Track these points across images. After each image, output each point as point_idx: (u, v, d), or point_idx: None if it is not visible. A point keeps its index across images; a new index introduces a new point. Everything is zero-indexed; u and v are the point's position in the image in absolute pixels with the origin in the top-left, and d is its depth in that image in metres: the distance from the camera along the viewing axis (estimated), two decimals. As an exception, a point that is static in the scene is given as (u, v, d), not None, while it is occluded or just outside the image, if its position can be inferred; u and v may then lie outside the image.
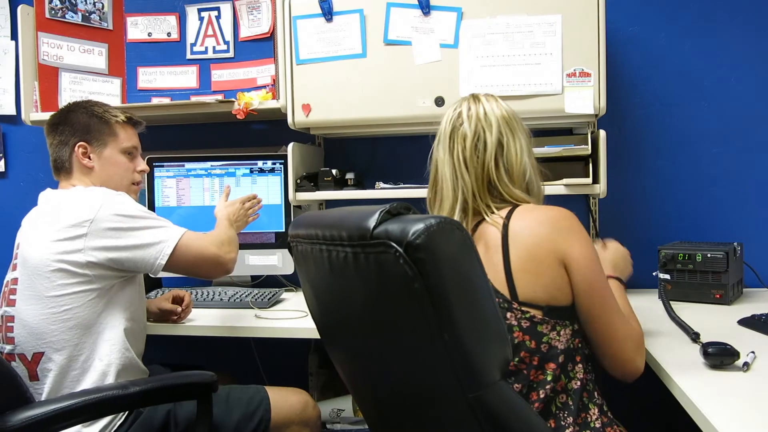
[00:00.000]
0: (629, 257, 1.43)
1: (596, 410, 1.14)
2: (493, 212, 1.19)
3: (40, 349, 1.41)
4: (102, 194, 1.47)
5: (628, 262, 1.42)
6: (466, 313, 0.87)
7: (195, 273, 1.56)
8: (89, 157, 1.56)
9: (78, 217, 1.41)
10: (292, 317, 1.76)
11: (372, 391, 1.14)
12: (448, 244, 0.85)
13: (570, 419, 1.10)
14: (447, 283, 0.85)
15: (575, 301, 1.13)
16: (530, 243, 1.11)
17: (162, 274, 1.59)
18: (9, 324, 1.45)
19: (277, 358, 2.25)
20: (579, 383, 1.12)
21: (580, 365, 1.13)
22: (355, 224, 0.90)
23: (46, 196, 1.56)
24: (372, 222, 0.87)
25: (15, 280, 1.46)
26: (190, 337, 1.65)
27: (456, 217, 1.20)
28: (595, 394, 1.16)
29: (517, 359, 1.11)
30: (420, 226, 0.82)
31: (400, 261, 0.82)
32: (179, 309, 1.71)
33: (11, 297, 1.46)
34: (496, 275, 1.12)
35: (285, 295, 2.10)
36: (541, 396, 1.10)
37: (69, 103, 1.64)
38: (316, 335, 1.73)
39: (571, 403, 1.11)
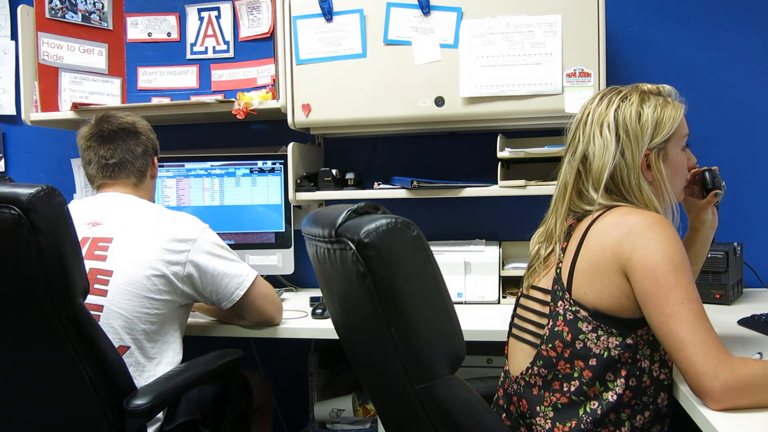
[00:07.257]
0: None
1: None
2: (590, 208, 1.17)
3: (125, 343, 1.43)
4: (200, 221, 1.58)
5: None
6: (414, 309, 0.92)
7: (252, 313, 1.63)
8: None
9: (183, 234, 1.50)
10: (292, 317, 1.76)
11: (363, 379, 1.26)
12: (397, 243, 0.90)
13: (591, 426, 1.08)
14: (395, 280, 0.90)
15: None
16: (596, 247, 1.10)
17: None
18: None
19: (277, 359, 2.25)
20: (615, 396, 1.08)
21: (622, 380, 1.07)
22: (330, 222, 0.96)
23: (123, 199, 1.59)
24: (339, 220, 0.93)
25: (107, 272, 1.44)
26: (190, 337, 1.65)
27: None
28: (639, 419, 1.09)
29: (550, 346, 1.12)
30: (372, 225, 0.88)
31: (354, 258, 0.89)
32: None
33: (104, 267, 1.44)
34: (566, 267, 1.13)
35: (285, 295, 2.11)
36: (565, 389, 1.10)
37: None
38: (316, 335, 1.76)
39: (599, 412, 1.08)
